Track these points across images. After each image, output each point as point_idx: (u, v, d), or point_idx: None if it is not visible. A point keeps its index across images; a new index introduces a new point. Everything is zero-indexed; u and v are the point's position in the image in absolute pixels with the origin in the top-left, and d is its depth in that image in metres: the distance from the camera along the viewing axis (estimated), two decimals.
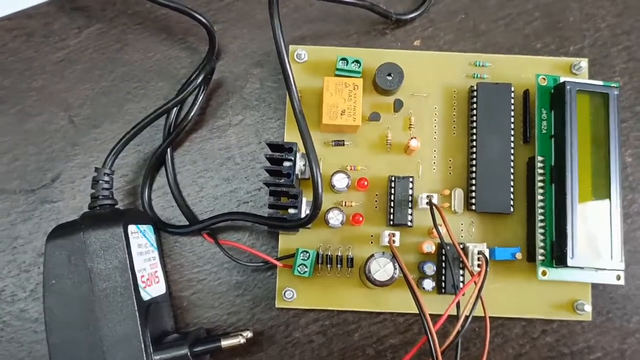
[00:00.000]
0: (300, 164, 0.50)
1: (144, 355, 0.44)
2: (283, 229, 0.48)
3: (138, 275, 0.46)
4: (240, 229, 0.54)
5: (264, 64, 0.56)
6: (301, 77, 0.54)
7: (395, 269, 0.47)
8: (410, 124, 0.54)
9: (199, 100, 0.54)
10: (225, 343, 0.47)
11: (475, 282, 0.47)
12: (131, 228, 0.47)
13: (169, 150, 0.54)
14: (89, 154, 0.54)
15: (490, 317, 0.49)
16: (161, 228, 0.53)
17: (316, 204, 0.45)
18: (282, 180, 0.49)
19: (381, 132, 0.54)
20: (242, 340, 0.47)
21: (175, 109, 0.54)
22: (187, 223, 0.53)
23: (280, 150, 0.49)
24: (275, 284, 0.52)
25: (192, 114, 0.53)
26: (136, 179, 0.54)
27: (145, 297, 0.47)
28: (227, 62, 0.56)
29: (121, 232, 0.45)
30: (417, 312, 0.50)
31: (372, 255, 0.48)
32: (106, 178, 0.49)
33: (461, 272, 0.51)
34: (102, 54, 0.56)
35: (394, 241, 0.49)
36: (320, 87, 0.53)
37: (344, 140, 0.53)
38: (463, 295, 0.48)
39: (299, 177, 0.50)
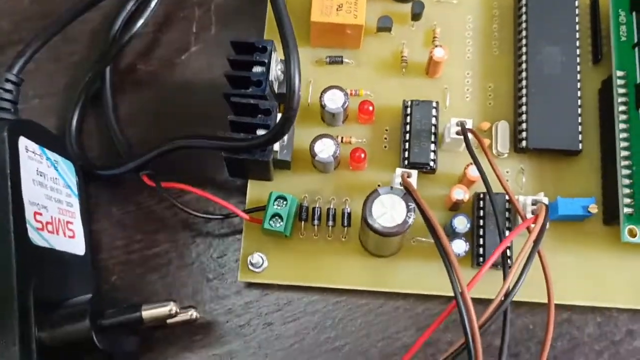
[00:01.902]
0: (276, 68, 0.35)
1: (16, 323, 0.28)
2: (242, 151, 0.33)
3: (28, 208, 0.31)
4: (197, 178, 0.39)
5: None
6: None
7: (408, 210, 0.32)
8: (435, 37, 0.39)
9: (151, 6, 0.40)
10: (147, 314, 0.31)
11: (529, 229, 0.31)
12: (27, 143, 0.33)
13: (107, 71, 0.40)
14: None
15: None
16: (85, 169, 0.38)
17: (290, 103, 0.30)
18: (250, 89, 0.34)
19: (394, 48, 0.39)
20: (172, 311, 0.31)
21: (120, 19, 0.41)
22: None
23: (249, 52, 0.35)
24: (240, 249, 0.37)
25: (140, 22, 0.40)
26: (66, 110, 0.40)
27: (38, 241, 0.31)
28: None
29: (4, 138, 0.31)
30: (443, 294, 0.35)
31: (374, 192, 0.32)
32: (7, 86, 0.35)
33: (508, 233, 0.34)
34: None
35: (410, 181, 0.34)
36: None
37: (342, 57, 0.39)
38: (509, 250, 0.32)
39: (275, 89, 0.36)
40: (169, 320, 0.32)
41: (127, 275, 0.37)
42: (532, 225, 0.31)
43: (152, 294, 0.37)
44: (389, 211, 0.32)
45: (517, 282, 0.29)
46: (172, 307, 0.31)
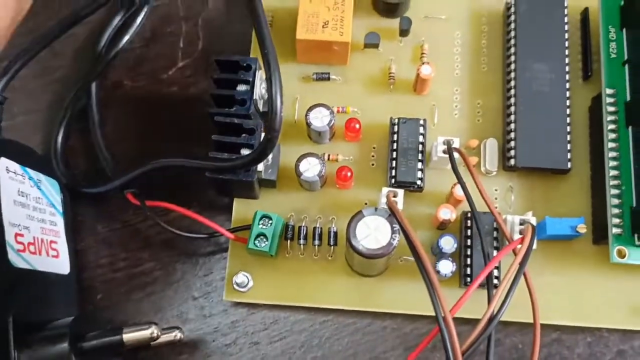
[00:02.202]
0: (260, 87, 0.35)
1: None
2: (226, 171, 0.33)
3: (9, 230, 0.31)
4: (184, 195, 0.38)
5: None
6: None
7: (393, 232, 0.31)
8: (423, 53, 0.39)
9: (137, 22, 0.40)
10: (129, 337, 0.30)
11: (515, 252, 0.30)
12: (8, 164, 0.32)
13: (93, 87, 0.40)
14: None
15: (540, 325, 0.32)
16: (70, 187, 0.38)
17: (272, 124, 0.30)
18: (234, 108, 0.34)
19: (382, 64, 0.39)
20: (154, 334, 0.31)
21: (107, 34, 0.40)
22: None
23: (234, 70, 0.35)
24: (223, 269, 0.36)
25: (126, 37, 0.39)
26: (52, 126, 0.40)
27: (18, 263, 0.31)
28: None
29: None
30: (431, 314, 0.34)
31: (358, 213, 0.32)
32: None
33: (495, 253, 0.34)
34: None
35: (395, 202, 0.33)
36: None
37: (329, 74, 0.39)
38: (497, 270, 0.31)
39: (260, 107, 0.35)
40: (152, 343, 0.32)
41: (112, 294, 0.37)
42: (519, 246, 0.31)
43: (138, 312, 0.36)
44: (373, 233, 0.31)
45: (501, 307, 0.28)
46: (153, 331, 0.31)
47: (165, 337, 0.33)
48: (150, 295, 0.37)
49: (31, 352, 0.30)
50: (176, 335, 0.33)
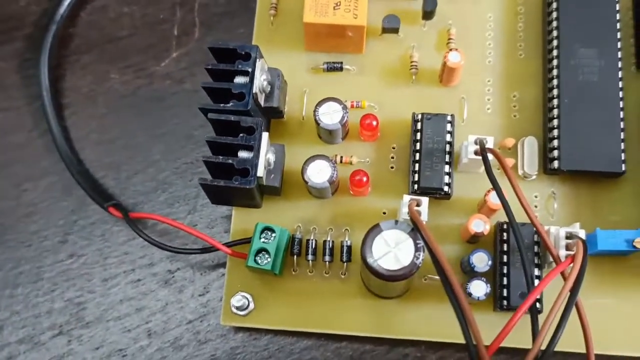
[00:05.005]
0: (260, 79, 0.30)
1: None
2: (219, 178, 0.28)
3: None
4: (174, 202, 0.34)
5: None
6: None
7: (417, 249, 0.26)
8: (450, 39, 0.34)
9: None
10: None
11: (563, 275, 0.25)
12: None
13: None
14: None
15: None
16: None
17: None
18: (231, 104, 0.29)
19: (402, 52, 0.34)
20: None
21: None
22: None
23: (230, 59, 0.30)
24: (222, 287, 0.32)
25: None
26: None
27: None
28: None
29: None
30: (459, 341, 0.29)
31: (375, 227, 0.27)
32: None
33: (537, 271, 0.29)
34: None
35: (419, 212, 0.28)
36: None
37: (342, 63, 0.34)
38: (539, 300, 0.26)
39: (261, 102, 0.30)
40: None
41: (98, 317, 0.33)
42: (569, 267, 0.25)
43: (121, 339, 0.32)
44: (393, 250, 0.26)
45: (550, 345, 0.23)
46: None
47: None
48: (139, 317, 0.32)
49: None
50: None
